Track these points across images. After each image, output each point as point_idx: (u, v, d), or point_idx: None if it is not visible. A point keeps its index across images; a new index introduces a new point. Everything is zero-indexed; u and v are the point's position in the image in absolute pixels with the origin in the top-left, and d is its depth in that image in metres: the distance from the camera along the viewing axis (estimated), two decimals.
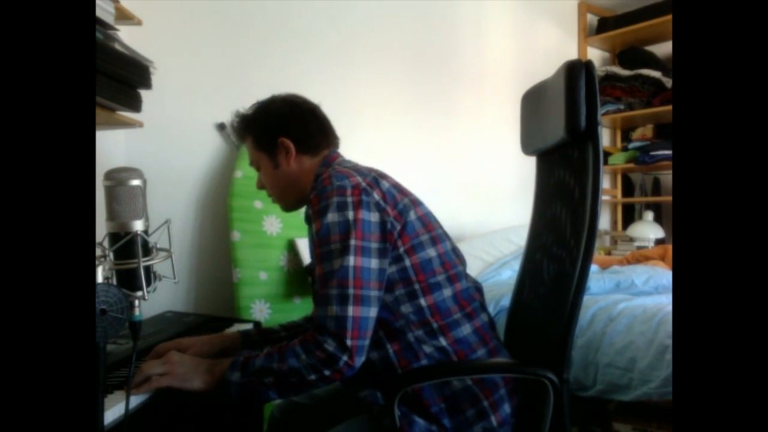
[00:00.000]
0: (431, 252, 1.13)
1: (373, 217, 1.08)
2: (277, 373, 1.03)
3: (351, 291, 1.03)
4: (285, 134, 1.23)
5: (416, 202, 1.17)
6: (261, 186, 1.33)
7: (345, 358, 1.01)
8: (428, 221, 1.16)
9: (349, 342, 1.01)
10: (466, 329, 1.13)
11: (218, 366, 1.09)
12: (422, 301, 1.10)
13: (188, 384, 1.07)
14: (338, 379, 1.04)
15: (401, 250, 1.10)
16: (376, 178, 1.14)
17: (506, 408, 1.10)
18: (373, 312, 1.05)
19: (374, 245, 1.07)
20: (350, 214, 1.06)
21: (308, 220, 1.14)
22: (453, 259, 1.17)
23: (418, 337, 1.10)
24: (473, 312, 1.16)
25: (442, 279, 1.13)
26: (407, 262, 1.10)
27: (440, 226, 1.20)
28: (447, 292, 1.13)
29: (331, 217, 1.06)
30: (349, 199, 1.07)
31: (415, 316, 1.10)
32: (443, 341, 1.10)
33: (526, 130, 1.31)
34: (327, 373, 1.02)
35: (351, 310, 1.02)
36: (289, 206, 1.32)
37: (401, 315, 1.10)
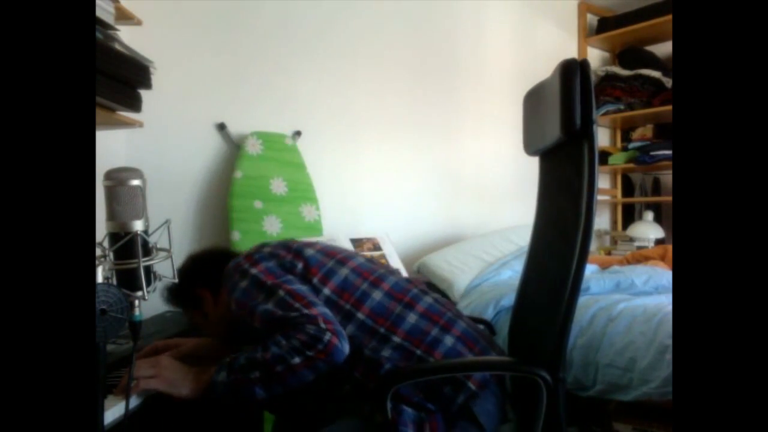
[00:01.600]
0: (343, 271, 1.19)
1: (272, 262, 1.18)
2: (261, 364, 1.05)
3: (297, 304, 1.08)
4: (197, 286, 1.33)
5: (310, 244, 1.26)
6: (208, 337, 1.40)
7: (327, 336, 1.04)
8: (328, 251, 1.24)
9: (323, 326, 1.05)
10: (411, 318, 1.16)
11: (205, 373, 1.11)
12: (360, 316, 1.14)
13: (175, 390, 1.09)
14: (323, 361, 1.05)
15: (315, 281, 1.17)
16: (261, 245, 1.26)
17: None
18: (328, 310, 1.10)
19: (289, 276, 1.16)
20: (253, 271, 1.16)
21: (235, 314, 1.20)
22: (369, 267, 1.23)
23: (373, 347, 1.13)
24: (412, 300, 1.19)
25: (366, 287, 1.18)
26: (327, 291, 1.16)
27: (344, 250, 1.28)
28: (377, 295, 1.17)
29: (241, 285, 1.16)
30: (246, 266, 1.18)
31: (361, 332, 1.13)
32: (396, 339, 1.13)
33: (528, 130, 1.31)
34: (310, 353, 1.03)
35: (308, 312, 1.07)
36: (236, 341, 1.37)
37: (350, 338, 1.12)
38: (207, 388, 1.08)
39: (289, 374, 1.05)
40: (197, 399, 1.09)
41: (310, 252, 1.21)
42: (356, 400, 1.14)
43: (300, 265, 1.18)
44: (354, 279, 1.18)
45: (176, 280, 1.36)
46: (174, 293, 1.37)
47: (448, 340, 1.14)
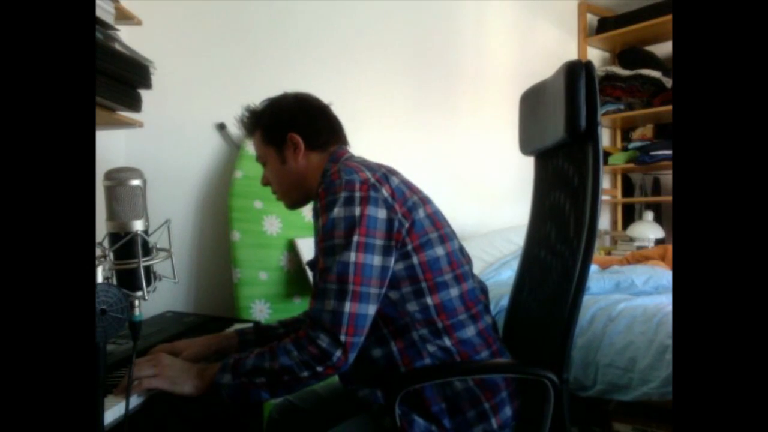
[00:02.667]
0: (439, 250, 1.12)
1: (381, 213, 1.07)
2: (268, 373, 1.03)
3: (350, 287, 1.02)
4: (294, 130, 1.23)
5: (425, 200, 1.16)
6: (266, 182, 1.31)
7: (338, 353, 1.00)
8: (437, 219, 1.15)
9: (343, 338, 1.01)
10: (470, 331, 1.12)
11: (208, 370, 1.08)
12: (428, 300, 1.10)
13: (178, 387, 1.07)
14: (331, 375, 1.04)
15: (409, 247, 1.09)
16: (385, 174, 1.13)
17: (507, 411, 1.10)
18: (371, 310, 1.04)
19: (378, 242, 1.06)
20: (357, 210, 1.05)
21: (316, 214, 1.13)
22: (460, 259, 1.17)
23: (423, 335, 1.09)
24: (478, 314, 1.15)
25: (449, 278, 1.12)
26: (415, 260, 1.09)
27: (448, 225, 1.20)
28: (454, 291, 1.12)
29: (338, 211, 1.06)
30: (357, 194, 1.06)
31: (421, 315, 1.09)
32: (447, 341, 1.10)
33: (525, 131, 1.31)
34: (319, 369, 1.01)
35: (348, 306, 1.02)
36: (294, 203, 1.30)
37: (406, 313, 1.09)
38: (210, 386, 1.07)
39: (296, 383, 1.04)
40: (200, 396, 1.08)
41: (421, 214, 1.12)
42: (369, 386, 1.12)
43: (406, 226, 1.09)
44: (443, 264, 1.12)
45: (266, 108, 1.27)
46: (260, 119, 1.27)
47: None
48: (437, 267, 1.11)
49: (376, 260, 1.05)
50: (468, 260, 1.21)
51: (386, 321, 1.09)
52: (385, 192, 1.09)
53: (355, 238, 1.04)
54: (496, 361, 1.15)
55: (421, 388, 1.07)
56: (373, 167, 1.14)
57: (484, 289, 1.23)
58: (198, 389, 1.07)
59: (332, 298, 1.02)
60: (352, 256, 1.03)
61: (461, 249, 1.20)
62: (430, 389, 1.08)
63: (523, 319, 1.31)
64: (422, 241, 1.10)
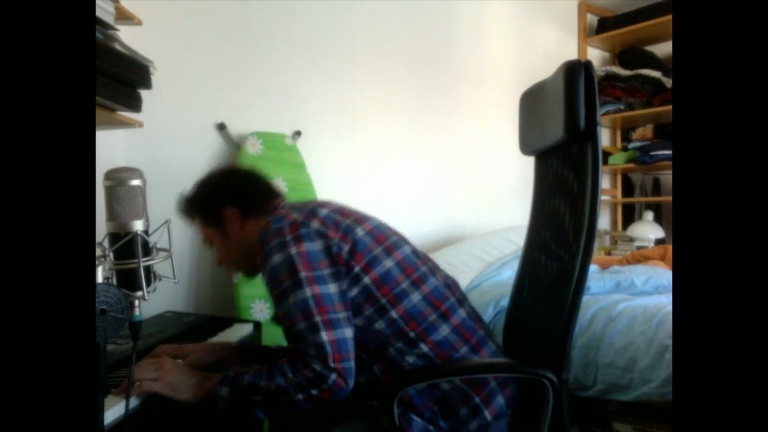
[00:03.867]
0: (388, 263, 1.13)
1: (317, 245, 1.09)
2: (264, 392, 1.04)
3: (318, 318, 1.04)
4: (227, 203, 1.25)
5: (361, 220, 1.18)
6: (219, 259, 1.33)
7: (333, 377, 1.02)
8: (378, 234, 1.17)
9: (332, 365, 1.02)
10: (444, 330, 1.12)
11: (208, 380, 1.10)
12: (393, 313, 1.11)
13: (177, 394, 1.08)
14: (327, 399, 1.04)
15: (357, 269, 1.10)
16: (313, 209, 1.16)
17: (500, 400, 1.10)
18: (348, 333, 1.06)
19: (326, 271, 1.08)
20: (292, 250, 1.08)
21: (260, 269, 1.15)
22: (414, 262, 1.17)
23: (399, 349, 1.10)
24: (448, 310, 1.15)
25: (407, 285, 1.13)
26: (366, 280, 1.11)
27: (394, 234, 1.21)
28: (415, 296, 1.12)
29: (276, 258, 1.09)
30: (288, 237, 1.09)
31: (391, 330, 1.10)
32: (424, 348, 1.10)
33: (525, 130, 1.31)
34: (314, 392, 1.02)
35: (325, 336, 1.03)
36: (251, 271, 1.31)
37: (377, 333, 1.10)
38: (207, 396, 1.08)
39: (291, 406, 1.05)
40: (197, 404, 1.09)
41: (359, 233, 1.13)
42: (364, 401, 1.13)
43: (346, 249, 1.10)
44: (396, 274, 1.12)
45: (196, 191, 1.29)
46: (194, 204, 1.29)
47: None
48: (391, 279, 1.12)
49: (331, 288, 1.07)
50: (425, 260, 1.21)
51: (361, 347, 1.10)
52: (314, 224, 1.12)
53: (302, 274, 1.06)
54: (496, 361, 1.15)
55: (409, 396, 1.08)
56: (299, 207, 1.17)
57: (450, 284, 1.22)
58: (196, 398, 1.09)
59: (307, 335, 1.04)
60: (307, 291, 1.05)
61: (415, 252, 1.21)
62: (418, 397, 1.08)
63: (523, 319, 1.31)
64: (368, 260, 1.12)
